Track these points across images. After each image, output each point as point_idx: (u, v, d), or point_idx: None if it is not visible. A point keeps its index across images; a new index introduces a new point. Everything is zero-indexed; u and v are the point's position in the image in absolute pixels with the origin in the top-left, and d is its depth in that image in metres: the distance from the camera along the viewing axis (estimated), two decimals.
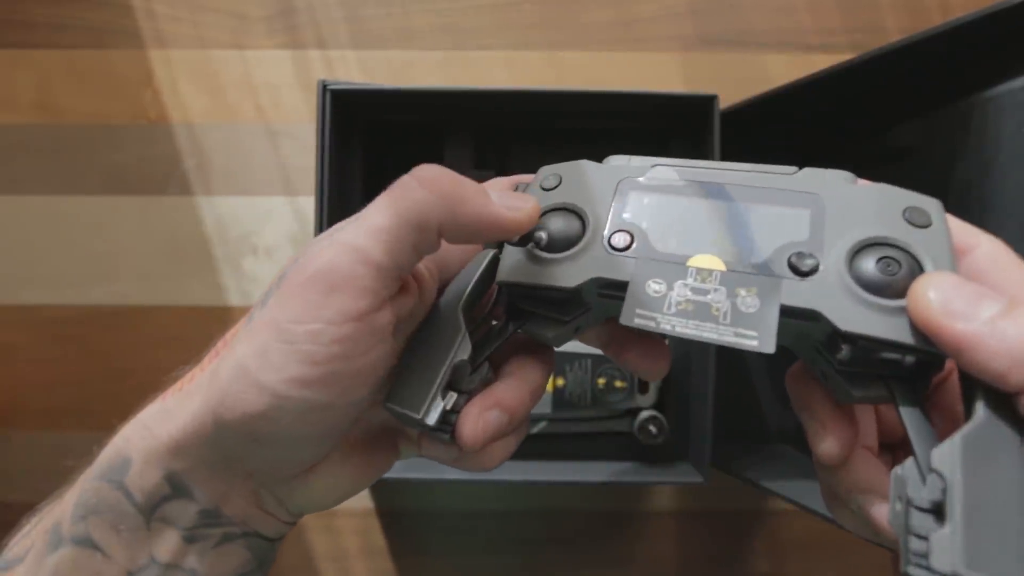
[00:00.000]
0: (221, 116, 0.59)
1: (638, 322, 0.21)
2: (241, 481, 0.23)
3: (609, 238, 0.23)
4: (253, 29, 0.59)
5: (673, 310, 0.21)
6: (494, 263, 0.24)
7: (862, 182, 0.23)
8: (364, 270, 0.20)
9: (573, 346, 0.51)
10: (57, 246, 0.59)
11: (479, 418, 0.23)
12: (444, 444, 0.24)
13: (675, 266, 0.22)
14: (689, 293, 0.21)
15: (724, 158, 0.43)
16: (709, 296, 0.21)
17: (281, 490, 0.24)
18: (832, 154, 0.52)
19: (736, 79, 0.58)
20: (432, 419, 0.22)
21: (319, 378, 0.20)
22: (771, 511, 0.59)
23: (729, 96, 0.49)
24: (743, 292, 0.20)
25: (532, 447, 0.52)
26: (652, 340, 0.24)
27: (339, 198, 0.45)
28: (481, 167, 0.53)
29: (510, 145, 0.55)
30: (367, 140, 0.52)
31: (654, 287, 0.21)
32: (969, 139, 0.36)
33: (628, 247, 0.22)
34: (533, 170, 0.26)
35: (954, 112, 0.38)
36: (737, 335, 0.20)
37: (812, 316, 0.20)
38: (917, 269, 0.20)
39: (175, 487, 0.22)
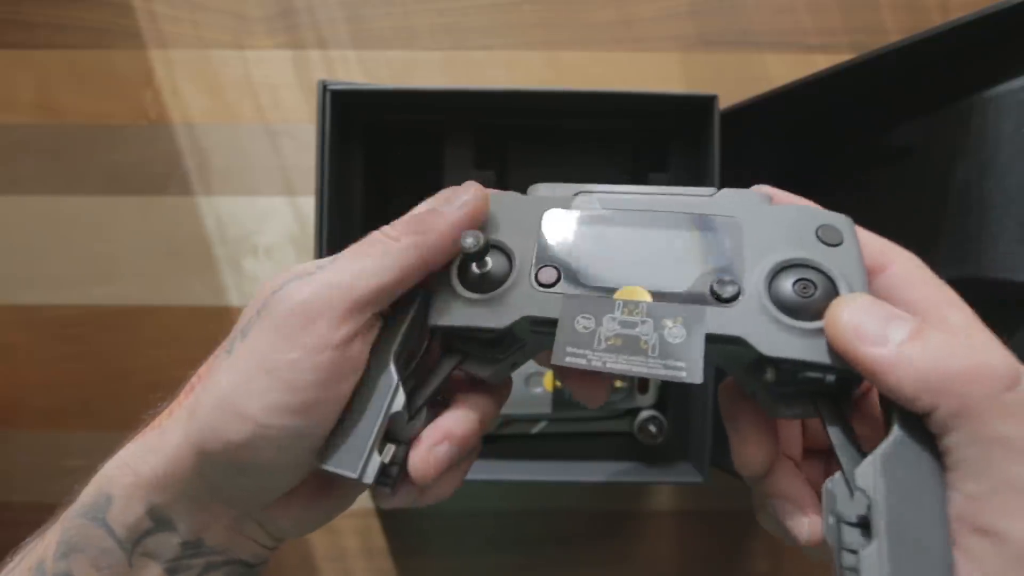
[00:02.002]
0: (221, 116, 0.59)
1: (569, 361, 0.21)
2: (223, 510, 0.23)
3: (536, 274, 0.23)
4: (253, 29, 0.59)
5: (603, 346, 0.21)
6: (424, 307, 0.24)
7: (781, 196, 0.23)
8: (341, 303, 0.21)
9: None
10: (57, 246, 0.59)
11: (429, 453, 0.23)
12: (387, 496, 0.23)
13: (603, 300, 0.22)
14: (618, 327, 0.21)
15: (724, 158, 0.43)
16: (637, 329, 0.21)
17: (262, 516, 0.24)
18: (832, 154, 0.52)
19: (736, 79, 0.58)
20: (370, 477, 0.22)
21: (299, 406, 0.21)
22: None
23: (729, 96, 0.48)
24: (669, 323, 0.21)
25: (532, 447, 0.52)
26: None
27: (339, 198, 0.45)
28: (481, 167, 0.53)
29: (510, 145, 0.55)
30: (367, 140, 0.52)
31: (583, 323, 0.21)
32: (969, 139, 0.36)
33: (555, 283, 0.22)
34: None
35: (954, 112, 0.38)
36: (666, 367, 0.20)
37: (737, 342, 0.20)
38: (832, 290, 0.20)
39: (157, 520, 0.22)
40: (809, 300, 0.20)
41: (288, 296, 0.21)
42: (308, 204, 0.59)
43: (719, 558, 0.59)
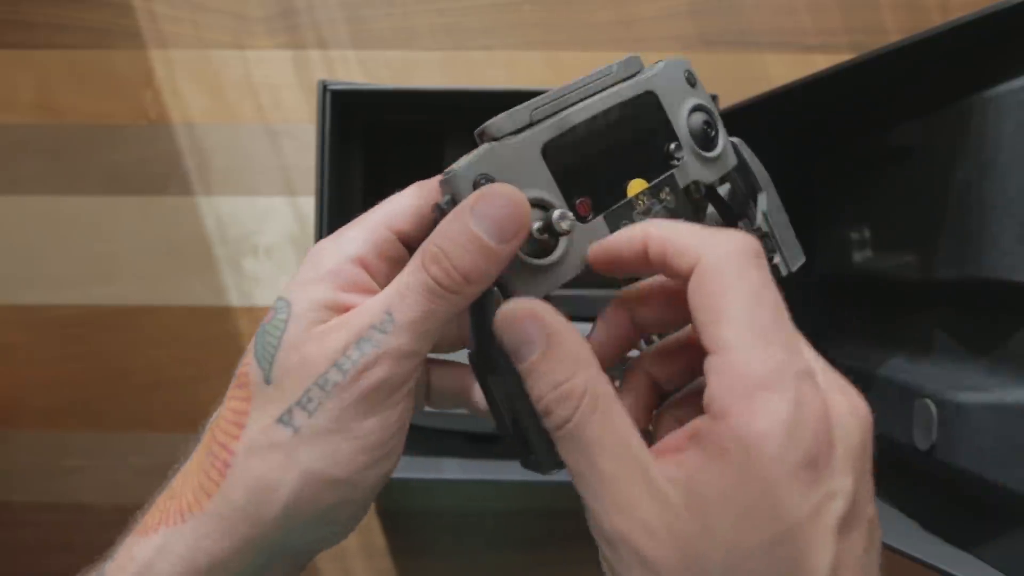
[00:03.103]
0: (221, 116, 0.59)
1: None
2: (290, 560, 0.24)
3: (575, 210, 0.23)
4: (253, 29, 0.59)
5: None
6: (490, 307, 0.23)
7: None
8: (414, 366, 0.22)
9: None
10: (57, 246, 0.59)
11: None
12: None
13: (625, 204, 0.25)
14: (646, 216, 0.25)
15: None
16: (655, 209, 0.25)
17: (319, 547, 0.25)
18: (832, 154, 0.52)
19: (736, 79, 0.58)
20: None
21: (387, 453, 0.22)
22: None
23: (729, 96, 0.48)
24: (664, 196, 0.25)
25: None
26: None
27: (339, 198, 0.45)
28: None
29: None
30: (367, 140, 0.52)
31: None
32: (969, 139, 0.36)
33: (591, 211, 0.24)
34: None
35: (954, 112, 0.38)
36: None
37: (696, 185, 0.26)
38: (712, 118, 0.27)
39: None
40: (711, 133, 0.26)
41: (366, 374, 0.21)
42: (308, 204, 0.59)
43: None
